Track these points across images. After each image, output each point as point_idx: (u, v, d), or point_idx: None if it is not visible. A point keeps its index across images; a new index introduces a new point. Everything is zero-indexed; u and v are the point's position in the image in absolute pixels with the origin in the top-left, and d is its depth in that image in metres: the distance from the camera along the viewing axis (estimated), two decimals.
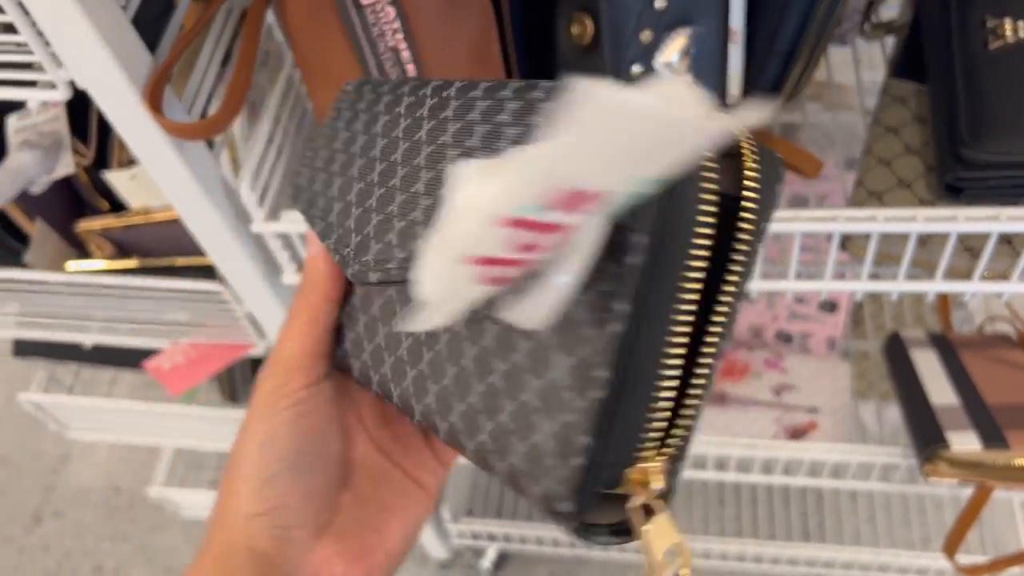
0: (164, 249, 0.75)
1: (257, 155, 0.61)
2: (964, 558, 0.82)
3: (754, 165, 0.24)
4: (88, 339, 0.84)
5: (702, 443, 0.83)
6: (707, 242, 0.23)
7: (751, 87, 0.59)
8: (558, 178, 0.18)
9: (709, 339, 0.24)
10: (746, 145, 0.24)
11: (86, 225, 0.76)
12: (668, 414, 0.24)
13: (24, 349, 0.99)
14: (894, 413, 0.99)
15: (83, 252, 0.80)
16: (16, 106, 0.72)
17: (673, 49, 0.52)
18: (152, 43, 0.55)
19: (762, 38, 0.57)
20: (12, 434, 1.44)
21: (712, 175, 0.23)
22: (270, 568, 0.32)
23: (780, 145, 0.62)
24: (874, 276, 0.60)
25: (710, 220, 0.23)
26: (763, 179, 0.24)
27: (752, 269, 0.25)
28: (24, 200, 0.76)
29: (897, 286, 0.60)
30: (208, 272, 0.72)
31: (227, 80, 0.59)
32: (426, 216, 0.29)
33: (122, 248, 0.79)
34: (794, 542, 1.06)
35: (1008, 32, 0.52)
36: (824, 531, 1.14)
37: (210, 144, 0.61)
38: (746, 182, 0.24)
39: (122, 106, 0.52)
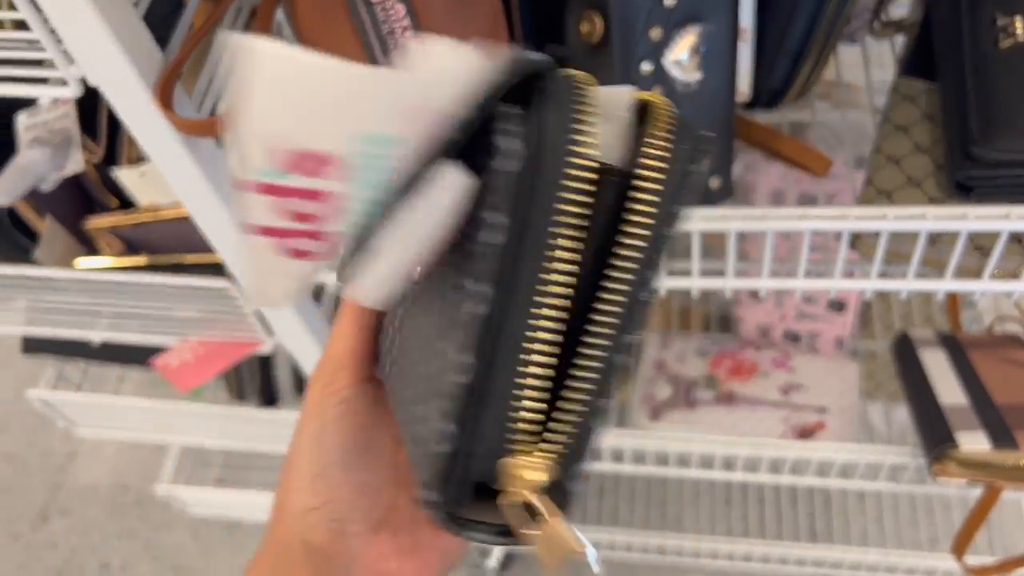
0: (173, 246, 0.76)
1: None
2: (973, 559, 0.82)
3: (661, 140, 0.22)
4: (97, 336, 0.85)
5: (709, 442, 0.83)
6: (576, 221, 0.21)
7: (760, 85, 0.59)
8: (269, 140, 0.18)
9: (594, 328, 0.22)
10: (660, 118, 0.22)
11: (95, 222, 0.77)
12: (540, 405, 0.22)
13: (33, 346, 0.99)
14: (902, 413, 0.99)
15: (92, 249, 0.80)
16: (27, 103, 0.72)
17: (683, 47, 0.52)
18: (163, 40, 0.55)
19: (772, 36, 0.57)
20: (20, 432, 1.45)
21: (585, 148, 0.21)
22: (325, 561, 0.33)
23: (789, 144, 0.62)
24: (883, 275, 0.60)
25: (579, 198, 0.21)
26: (673, 155, 0.22)
27: (657, 256, 0.22)
28: (34, 197, 0.77)
29: (907, 285, 0.59)
30: (217, 269, 0.72)
31: None
32: None
33: (131, 245, 0.79)
34: (801, 542, 1.05)
35: (1019, 30, 0.52)
36: (832, 532, 1.13)
37: (220, 141, 0.61)
38: (644, 159, 0.22)
39: (133, 103, 0.52)
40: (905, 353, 0.80)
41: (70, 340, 0.88)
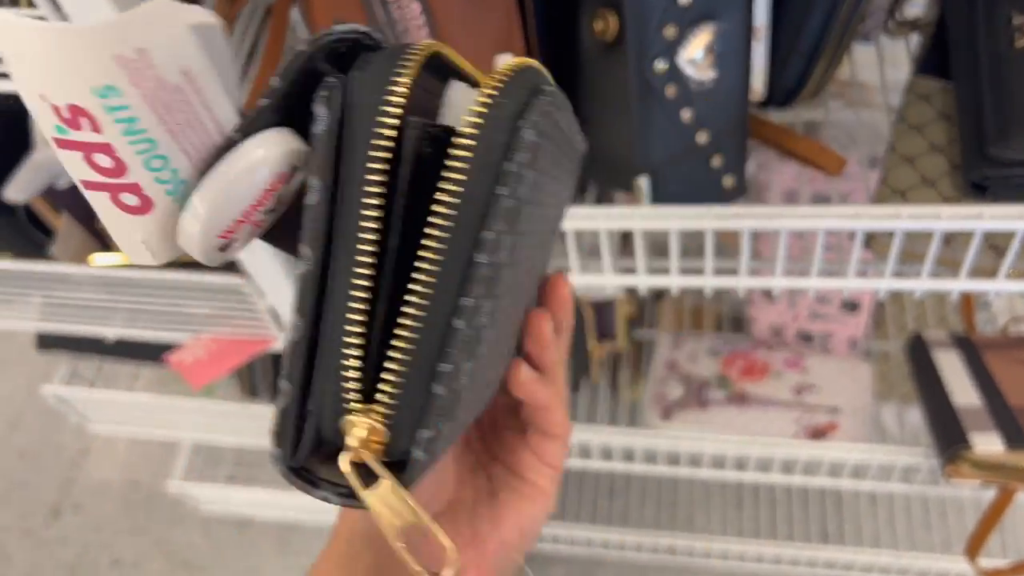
0: None
1: None
2: (986, 561, 0.81)
3: (483, 97, 0.21)
4: (111, 332, 0.85)
5: (721, 442, 0.83)
6: (379, 178, 0.21)
7: (775, 84, 0.59)
8: (39, 97, 0.20)
9: (412, 286, 0.22)
10: (495, 77, 0.22)
11: None
12: (360, 363, 0.22)
13: (48, 342, 1.00)
14: (915, 415, 0.98)
15: (107, 246, 0.81)
16: None
17: (697, 45, 0.52)
18: None
19: (786, 35, 0.57)
20: (33, 428, 1.46)
21: (394, 109, 0.21)
22: (386, 550, 0.33)
23: (803, 143, 0.62)
24: (897, 274, 0.60)
25: (382, 155, 0.21)
26: (490, 110, 0.21)
27: (489, 216, 0.21)
28: (50, 194, 0.77)
29: (921, 284, 0.59)
30: (229, 266, 0.72)
31: (252, 76, 0.60)
32: None
33: None
34: (813, 544, 1.05)
35: None
36: (843, 533, 1.13)
37: None
38: (466, 116, 0.21)
39: None
40: (919, 354, 0.80)
41: (85, 337, 0.89)
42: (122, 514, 1.33)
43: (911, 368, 0.81)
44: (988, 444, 0.70)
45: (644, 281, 0.64)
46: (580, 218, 0.59)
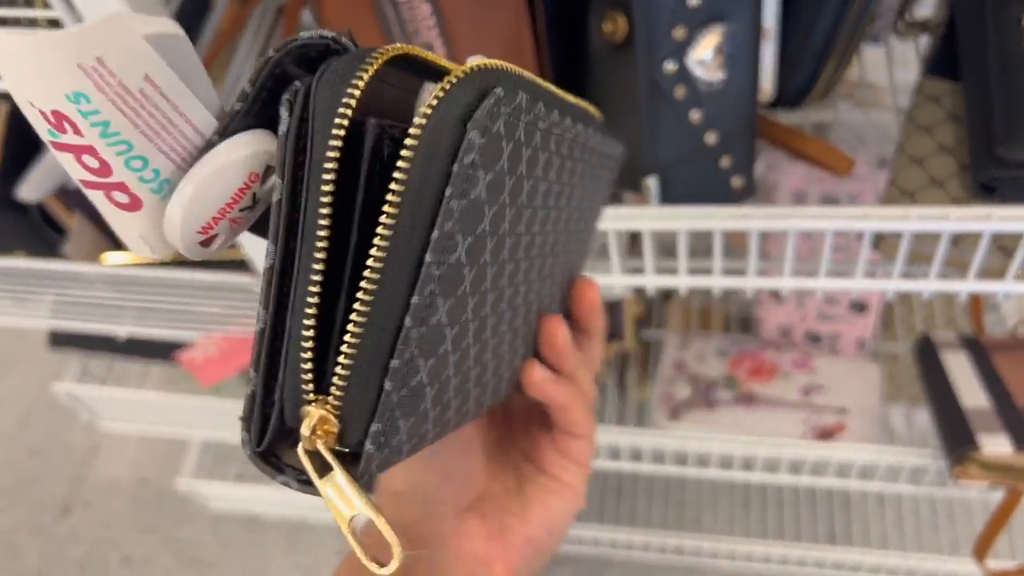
0: None
1: None
2: (994, 563, 0.81)
3: (435, 96, 0.21)
4: (122, 330, 0.86)
5: (728, 442, 0.83)
6: (331, 177, 0.22)
7: (784, 85, 0.59)
8: (28, 103, 0.21)
9: (362, 284, 0.22)
10: (449, 76, 0.22)
11: None
12: (312, 355, 0.23)
13: (60, 340, 1.00)
14: (924, 417, 0.98)
15: (118, 245, 0.81)
16: None
17: (706, 46, 0.52)
18: (191, 36, 0.56)
19: (795, 36, 0.57)
20: (43, 426, 1.47)
21: (348, 111, 0.21)
22: (417, 540, 0.35)
23: (812, 143, 0.62)
24: (906, 275, 0.60)
25: (336, 154, 0.21)
26: (436, 108, 0.21)
27: (440, 215, 0.21)
28: (63, 194, 0.78)
29: (929, 285, 0.59)
30: (241, 266, 0.73)
31: None
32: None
33: None
34: (820, 544, 1.05)
35: None
36: (851, 535, 1.13)
37: None
38: (416, 117, 0.21)
39: None
40: (927, 355, 0.80)
41: (96, 335, 0.89)
42: (131, 512, 1.34)
43: (919, 369, 0.81)
44: (996, 445, 0.69)
45: (652, 281, 0.64)
46: None
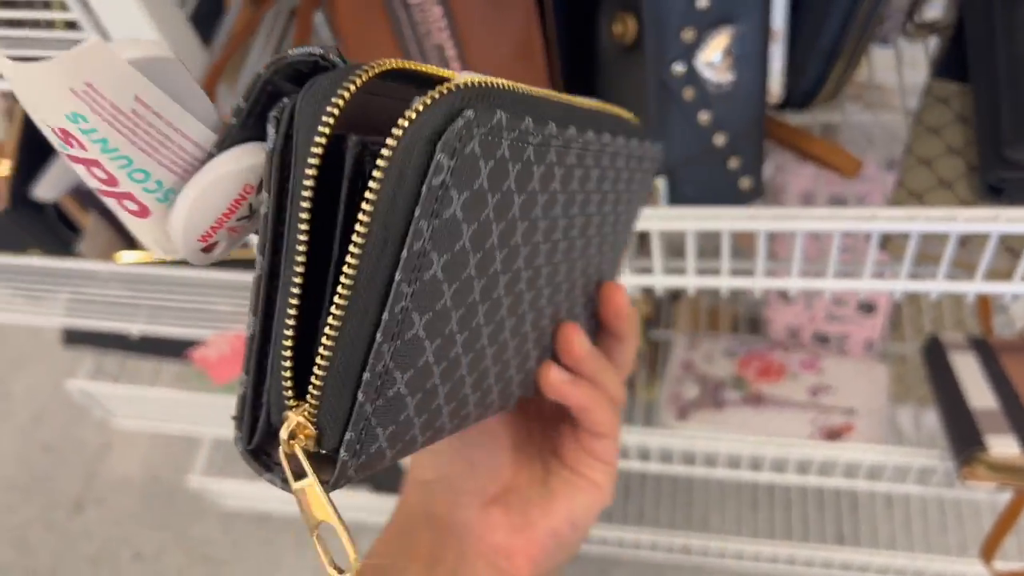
0: None
1: None
2: (1001, 564, 0.81)
3: (404, 119, 0.21)
4: (136, 328, 0.87)
5: (736, 442, 0.83)
6: (309, 194, 0.22)
7: (792, 86, 0.59)
8: (39, 120, 0.22)
9: (335, 299, 0.22)
10: (427, 98, 0.22)
11: None
12: (291, 363, 0.24)
13: (74, 338, 1.02)
14: (932, 418, 0.98)
15: (132, 244, 0.82)
16: None
17: (715, 48, 0.52)
18: (206, 38, 0.57)
19: (804, 38, 0.57)
20: (56, 423, 1.48)
21: (326, 127, 0.22)
22: (443, 528, 0.36)
23: (820, 145, 0.62)
24: (913, 276, 0.60)
25: (313, 172, 0.22)
26: (412, 123, 0.21)
27: (405, 239, 0.22)
28: (78, 193, 0.79)
29: (937, 286, 0.60)
30: (254, 265, 0.73)
31: None
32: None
33: None
34: (828, 545, 1.05)
35: None
36: (859, 535, 1.13)
37: None
38: (388, 139, 0.21)
39: None
40: (935, 356, 0.80)
41: (110, 333, 0.90)
42: (143, 508, 1.35)
43: (927, 370, 0.81)
44: (1004, 446, 0.70)
45: (661, 281, 0.64)
46: None
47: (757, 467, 0.89)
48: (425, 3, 0.53)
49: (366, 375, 0.23)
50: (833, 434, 0.88)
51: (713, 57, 0.52)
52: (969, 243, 0.59)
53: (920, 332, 1.04)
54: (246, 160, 0.24)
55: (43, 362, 1.57)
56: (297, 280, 0.23)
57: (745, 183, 0.57)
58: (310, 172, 0.22)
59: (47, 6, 0.55)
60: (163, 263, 0.78)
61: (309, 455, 0.24)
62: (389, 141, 0.21)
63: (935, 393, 0.79)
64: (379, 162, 0.21)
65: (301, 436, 0.23)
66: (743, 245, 0.89)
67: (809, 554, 1.04)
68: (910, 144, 0.61)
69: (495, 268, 0.26)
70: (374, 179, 0.21)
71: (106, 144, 0.23)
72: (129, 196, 0.24)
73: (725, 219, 0.57)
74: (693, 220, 0.57)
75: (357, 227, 0.22)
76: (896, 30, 0.70)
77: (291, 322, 0.23)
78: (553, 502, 0.36)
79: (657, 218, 0.58)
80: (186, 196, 0.24)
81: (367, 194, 0.21)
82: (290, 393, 0.24)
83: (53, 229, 0.80)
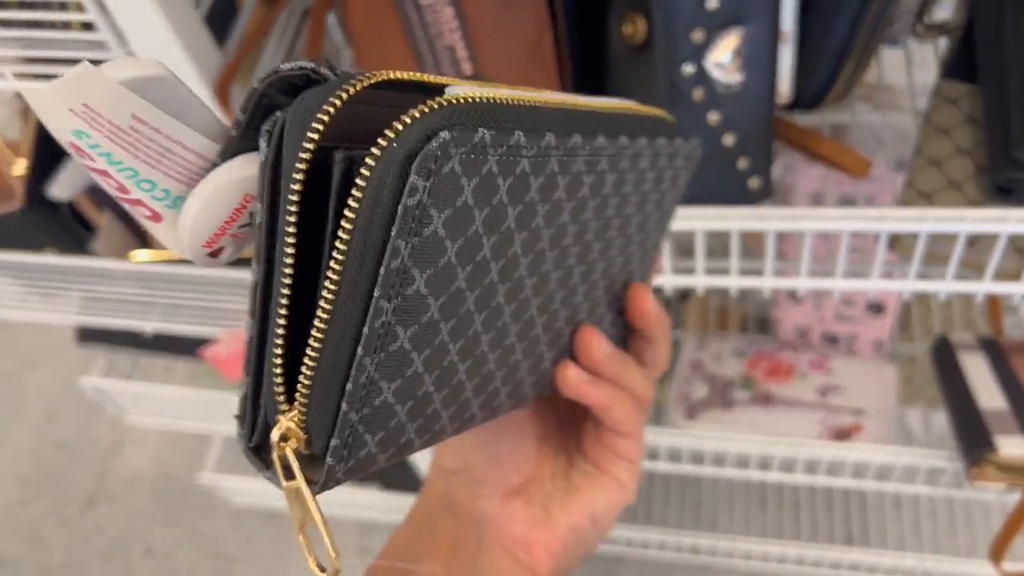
0: None
1: None
2: (1010, 566, 0.81)
3: (382, 139, 0.22)
4: (149, 326, 0.88)
5: (745, 441, 0.84)
6: (294, 208, 0.23)
7: (801, 87, 0.59)
8: (57, 136, 0.24)
9: (319, 305, 0.23)
10: (407, 117, 0.22)
11: None
12: (282, 370, 0.24)
13: (88, 336, 1.02)
14: (941, 419, 0.98)
15: (147, 242, 0.83)
16: None
17: (724, 49, 0.52)
18: (220, 38, 0.57)
19: (813, 38, 0.57)
20: (69, 420, 1.49)
21: (311, 142, 0.22)
22: (464, 517, 0.36)
23: (829, 145, 0.62)
24: (922, 276, 0.60)
25: (298, 187, 0.22)
26: (385, 153, 0.21)
27: (382, 256, 0.22)
28: (93, 192, 0.80)
29: (945, 286, 0.60)
30: None
31: None
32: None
33: None
34: (836, 545, 1.05)
35: None
36: (867, 536, 1.13)
37: None
38: (379, 139, 0.22)
39: None
40: (944, 357, 0.80)
41: (123, 331, 0.91)
42: (155, 505, 1.36)
43: (936, 370, 0.81)
44: (1013, 447, 0.70)
45: (670, 281, 0.64)
46: None
47: (766, 467, 0.89)
48: (437, 4, 0.54)
49: (349, 386, 0.23)
50: (842, 434, 0.88)
51: (722, 58, 0.53)
52: (978, 243, 0.59)
53: (929, 333, 1.04)
54: (246, 170, 0.25)
55: (57, 360, 1.59)
56: (285, 291, 0.23)
57: (754, 183, 0.57)
58: (295, 187, 0.22)
59: (64, 7, 0.56)
60: (177, 261, 0.78)
61: (301, 457, 0.24)
62: (368, 160, 0.22)
63: (944, 394, 0.79)
64: (358, 181, 0.22)
65: (293, 439, 0.24)
66: (752, 245, 0.89)
67: (818, 554, 1.04)
68: (919, 145, 0.61)
69: (490, 279, 0.26)
70: (353, 197, 0.22)
71: (111, 157, 0.24)
72: (140, 203, 0.25)
73: (734, 219, 0.57)
74: (702, 220, 0.58)
75: (337, 244, 0.22)
76: (906, 31, 0.70)
77: (280, 331, 0.24)
78: (575, 497, 0.37)
79: None
80: (189, 205, 0.25)
81: (346, 212, 0.22)
82: (282, 398, 0.24)
83: (68, 228, 0.81)
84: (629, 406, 0.35)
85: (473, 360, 0.28)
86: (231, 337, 0.84)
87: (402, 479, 1.13)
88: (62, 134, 0.23)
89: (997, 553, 0.79)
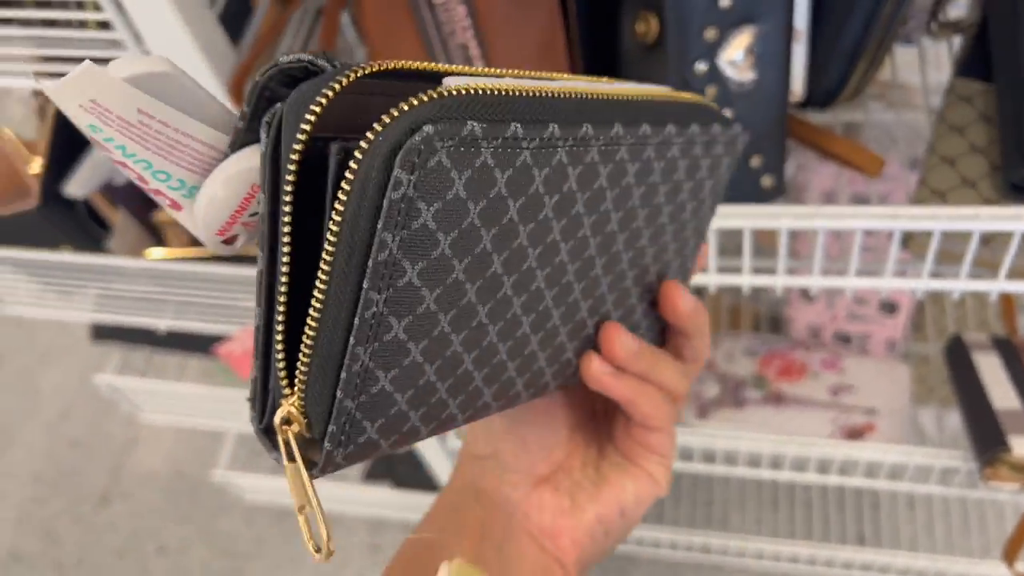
0: None
1: None
2: (1023, 566, 0.81)
3: (371, 132, 0.22)
4: (163, 324, 0.88)
5: (756, 440, 0.83)
6: (289, 199, 0.23)
7: (814, 85, 0.59)
8: (80, 127, 0.24)
9: (314, 292, 0.23)
10: (395, 110, 0.22)
11: (163, 215, 0.80)
12: (283, 356, 0.25)
13: (102, 333, 1.03)
14: (955, 419, 0.98)
15: (161, 240, 0.84)
16: None
17: (737, 47, 0.52)
18: (234, 37, 0.58)
19: (826, 37, 0.57)
20: (83, 418, 1.51)
21: (306, 126, 0.22)
22: (491, 504, 0.36)
23: (842, 144, 0.62)
24: (935, 275, 0.60)
25: (292, 177, 0.23)
26: (372, 146, 0.22)
27: (370, 250, 0.22)
28: (108, 190, 0.80)
29: (959, 285, 0.59)
30: None
31: None
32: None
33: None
34: (848, 546, 1.05)
35: None
36: (880, 536, 1.12)
37: None
38: (368, 132, 0.22)
39: None
40: (958, 356, 0.80)
41: (137, 328, 0.92)
42: (168, 502, 1.37)
43: (950, 370, 0.80)
44: None
45: None
46: None
47: (777, 466, 0.89)
48: (449, 3, 0.54)
49: (343, 374, 0.24)
50: (854, 434, 0.87)
51: (735, 56, 0.53)
52: (992, 242, 0.59)
53: (943, 332, 1.04)
54: (253, 161, 0.26)
55: (71, 357, 1.60)
56: (283, 280, 0.24)
57: (767, 181, 0.57)
58: (290, 177, 0.23)
59: (80, 6, 0.56)
60: (192, 259, 0.79)
61: (303, 440, 0.25)
62: (356, 154, 0.22)
63: (958, 393, 0.78)
64: (347, 174, 0.22)
65: (296, 423, 0.25)
66: (764, 243, 0.89)
67: (829, 554, 1.04)
68: (933, 143, 0.61)
69: (494, 270, 0.26)
70: (342, 190, 0.22)
71: (125, 150, 0.24)
72: (159, 192, 0.26)
73: (747, 217, 0.57)
74: (715, 218, 0.58)
75: (328, 236, 0.22)
76: (920, 29, 0.69)
77: (280, 318, 0.24)
78: (603, 488, 0.36)
79: None
80: (201, 195, 0.26)
81: (336, 205, 0.22)
82: (284, 383, 0.25)
83: (83, 226, 0.82)
84: (659, 400, 0.35)
85: (480, 350, 0.28)
86: (244, 334, 0.85)
87: (414, 477, 1.14)
88: (81, 127, 0.24)
89: (1011, 554, 0.79)
